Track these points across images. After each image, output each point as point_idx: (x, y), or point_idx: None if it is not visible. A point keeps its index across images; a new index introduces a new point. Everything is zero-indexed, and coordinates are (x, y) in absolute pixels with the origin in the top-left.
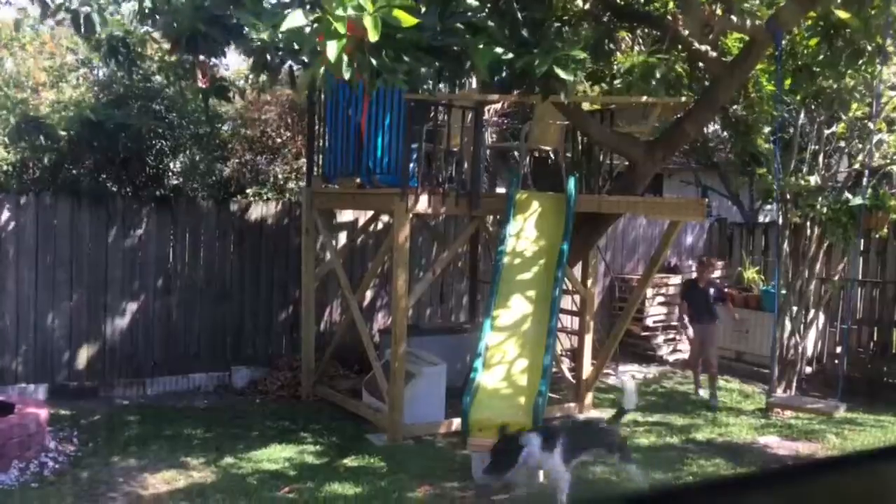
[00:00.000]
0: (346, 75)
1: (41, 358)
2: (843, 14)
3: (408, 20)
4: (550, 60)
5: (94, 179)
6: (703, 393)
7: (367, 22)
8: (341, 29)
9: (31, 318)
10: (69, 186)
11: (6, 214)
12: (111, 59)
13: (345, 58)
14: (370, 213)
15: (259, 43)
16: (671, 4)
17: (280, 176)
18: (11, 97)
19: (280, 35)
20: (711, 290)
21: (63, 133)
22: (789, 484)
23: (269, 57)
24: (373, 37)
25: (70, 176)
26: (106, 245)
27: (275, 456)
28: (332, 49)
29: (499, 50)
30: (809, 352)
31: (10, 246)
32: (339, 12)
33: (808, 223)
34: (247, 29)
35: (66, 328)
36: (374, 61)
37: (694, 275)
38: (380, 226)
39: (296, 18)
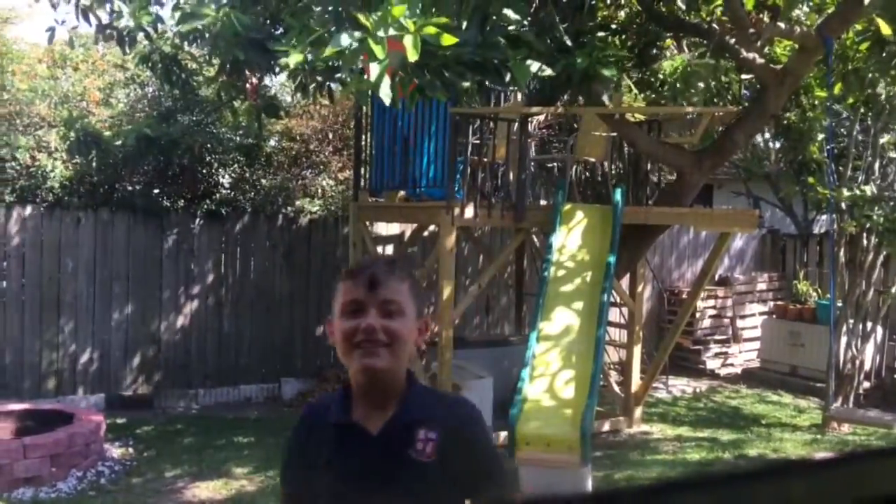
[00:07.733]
0: (387, 98)
1: (98, 369)
2: (884, 27)
3: (448, 40)
4: (591, 60)
5: (148, 194)
6: None
7: (408, 42)
8: (380, 53)
9: (90, 330)
10: (124, 201)
11: (67, 230)
12: (165, 81)
13: (386, 78)
14: (416, 225)
15: (297, 67)
16: (717, 13)
17: (327, 189)
18: (71, 112)
19: (314, 58)
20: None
21: (119, 146)
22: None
23: (305, 80)
24: (412, 56)
25: (125, 191)
26: (160, 259)
27: None
28: (374, 70)
29: (535, 66)
30: (867, 366)
31: (70, 260)
32: (381, 33)
33: (865, 233)
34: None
35: (123, 340)
36: (415, 79)
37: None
38: (426, 236)
39: (340, 41)
